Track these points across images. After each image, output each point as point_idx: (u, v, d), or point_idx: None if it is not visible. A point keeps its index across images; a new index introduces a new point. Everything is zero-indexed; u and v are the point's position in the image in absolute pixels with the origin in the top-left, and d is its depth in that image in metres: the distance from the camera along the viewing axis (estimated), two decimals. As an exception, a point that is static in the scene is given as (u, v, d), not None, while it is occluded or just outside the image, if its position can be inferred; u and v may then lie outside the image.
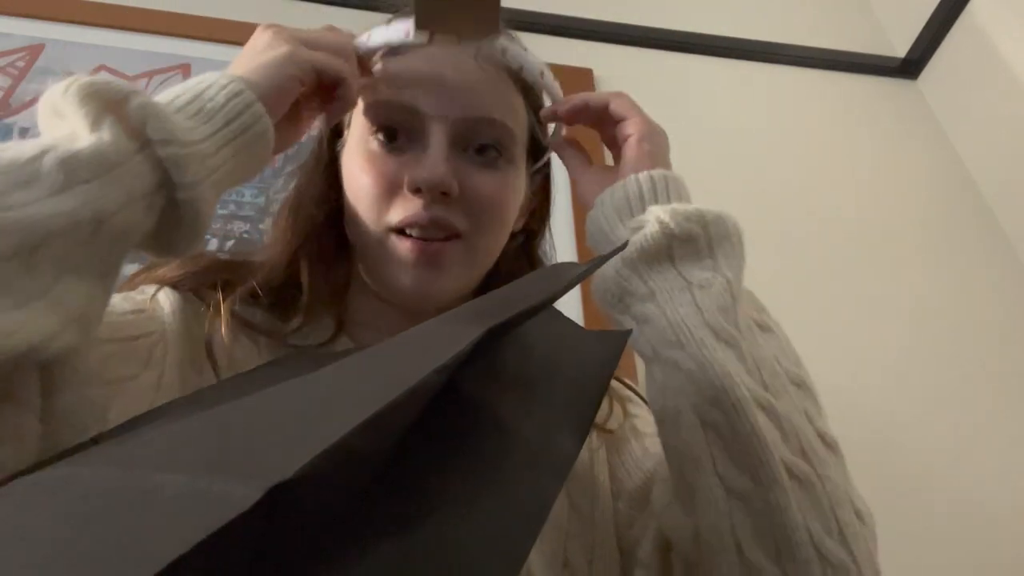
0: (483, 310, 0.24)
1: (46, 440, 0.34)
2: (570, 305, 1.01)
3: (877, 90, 1.51)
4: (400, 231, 0.48)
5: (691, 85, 1.41)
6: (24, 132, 1.03)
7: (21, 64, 1.12)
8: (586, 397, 0.23)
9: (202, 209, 0.37)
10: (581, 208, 1.14)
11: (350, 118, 0.53)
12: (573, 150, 0.59)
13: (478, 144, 0.50)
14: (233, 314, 0.48)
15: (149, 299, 0.47)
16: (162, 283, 0.49)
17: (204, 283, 0.50)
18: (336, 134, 0.56)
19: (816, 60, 1.51)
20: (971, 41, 1.42)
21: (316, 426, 0.17)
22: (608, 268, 0.45)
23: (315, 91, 0.48)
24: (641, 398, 0.62)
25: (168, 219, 0.37)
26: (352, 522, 0.17)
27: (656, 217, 0.44)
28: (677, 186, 0.49)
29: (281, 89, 0.43)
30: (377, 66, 0.51)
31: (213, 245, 0.98)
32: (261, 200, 1.01)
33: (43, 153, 0.32)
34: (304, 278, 0.52)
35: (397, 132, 0.49)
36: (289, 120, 0.46)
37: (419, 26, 0.51)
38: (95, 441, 0.22)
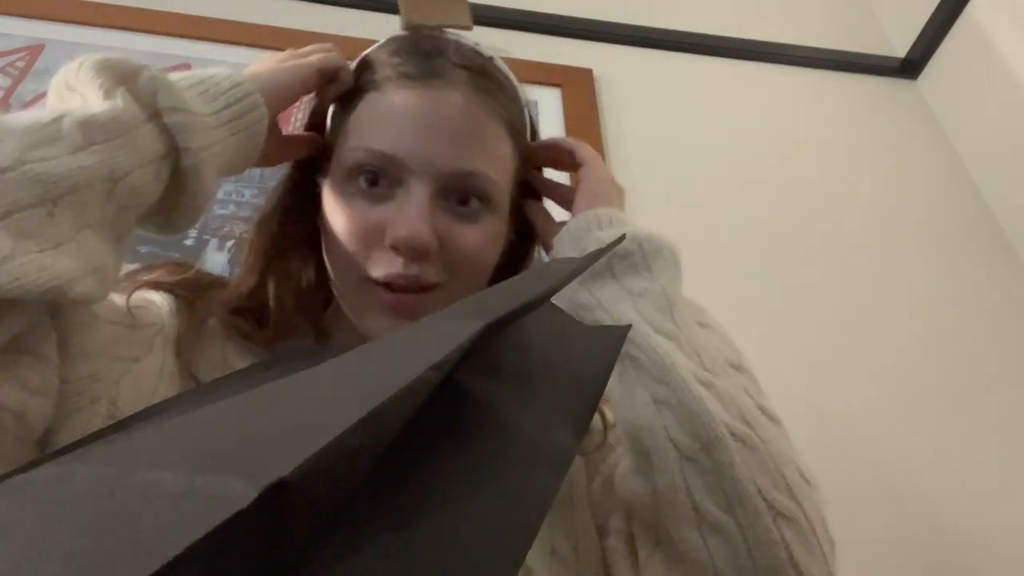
0: (481, 306, 0.24)
1: (60, 408, 0.37)
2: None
3: (877, 90, 1.51)
4: (378, 283, 0.48)
5: (691, 85, 1.41)
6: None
7: (21, 64, 1.12)
8: (585, 392, 0.23)
9: (204, 178, 0.40)
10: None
11: (331, 149, 0.52)
12: (539, 205, 0.63)
13: (460, 195, 0.49)
14: (223, 323, 0.50)
15: (145, 297, 0.48)
16: (155, 287, 0.50)
17: (193, 293, 0.51)
18: (310, 161, 0.56)
19: (816, 60, 1.51)
20: (971, 41, 1.42)
21: (314, 423, 0.17)
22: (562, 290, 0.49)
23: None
24: None
25: (173, 189, 0.40)
26: (349, 519, 0.17)
27: (596, 240, 0.50)
28: (619, 219, 0.54)
29: (282, 86, 0.48)
30: (365, 100, 0.50)
31: (213, 245, 0.98)
32: (261, 200, 1.01)
33: (62, 116, 0.36)
34: (271, 295, 0.52)
35: (379, 177, 0.48)
36: (283, 137, 0.51)
37: (405, 22, 0.53)
38: (89, 440, 0.22)
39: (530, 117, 0.58)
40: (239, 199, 1.03)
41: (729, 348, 0.51)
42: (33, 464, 0.20)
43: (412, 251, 0.46)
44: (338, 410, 0.17)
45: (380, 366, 0.21)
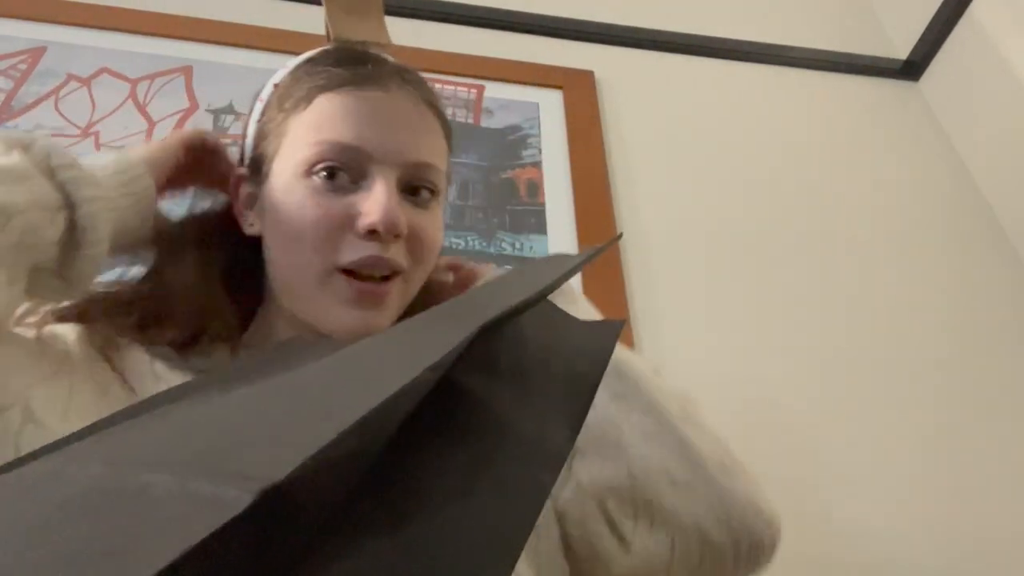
0: (478, 304, 0.24)
1: None
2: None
3: (879, 92, 1.50)
4: (348, 271, 0.49)
5: (693, 87, 1.41)
6: (25, 134, 1.04)
7: (23, 67, 1.12)
8: (580, 388, 0.23)
9: (99, 230, 0.43)
10: (581, 205, 1.14)
11: (273, 153, 0.53)
12: None
13: (413, 186, 0.52)
14: (143, 340, 0.50)
15: (52, 330, 0.49)
16: (60, 320, 0.50)
17: (104, 315, 0.50)
18: (240, 177, 0.57)
19: (818, 62, 1.51)
20: (973, 43, 1.42)
21: (310, 425, 0.16)
22: None
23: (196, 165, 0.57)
24: None
25: (68, 245, 0.43)
26: (344, 520, 0.16)
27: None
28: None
29: (157, 159, 0.52)
30: (315, 102, 0.52)
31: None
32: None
33: None
34: (210, 307, 0.52)
35: (338, 171, 0.49)
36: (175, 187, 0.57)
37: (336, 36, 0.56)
38: (78, 437, 0.21)
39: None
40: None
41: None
42: (19, 461, 0.20)
43: (389, 233, 0.48)
44: (334, 412, 0.17)
45: (376, 367, 0.21)
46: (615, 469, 0.51)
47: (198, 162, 0.57)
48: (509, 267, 1.06)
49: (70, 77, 1.12)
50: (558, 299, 0.54)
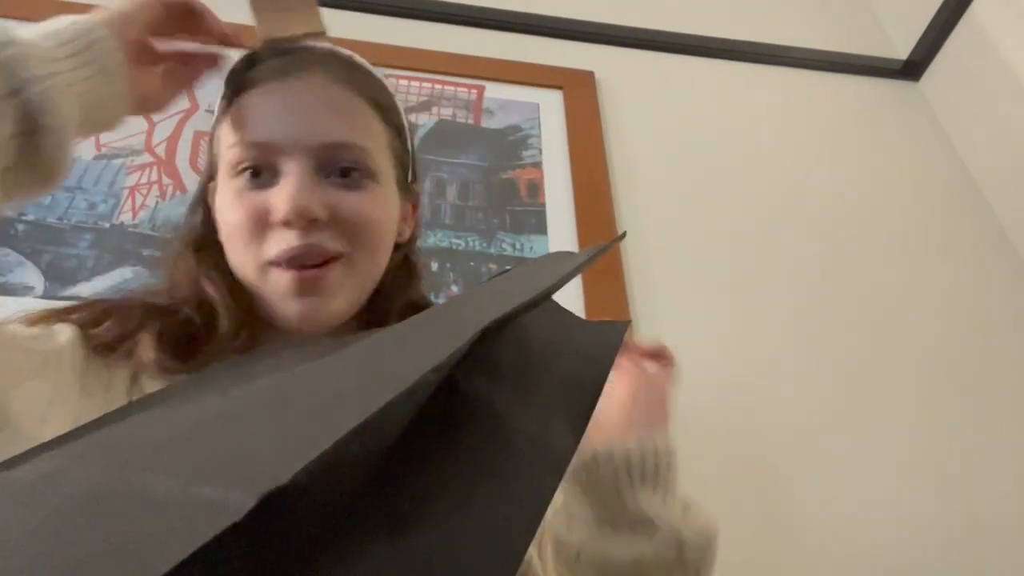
0: (481, 304, 0.24)
1: None
2: (570, 295, 1.01)
3: (879, 92, 1.50)
4: (278, 263, 0.49)
5: (693, 87, 1.41)
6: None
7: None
8: (584, 390, 0.23)
9: (58, 109, 0.39)
10: (581, 205, 1.13)
11: (217, 161, 0.54)
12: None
13: (339, 168, 0.51)
14: (156, 350, 0.49)
15: (48, 326, 0.48)
16: (61, 319, 0.49)
17: (111, 321, 0.50)
18: (209, 180, 0.57)
19: (818, 62, 1.51)
20: (973, 43, 1.42)
21: (312, 428, 0.16)
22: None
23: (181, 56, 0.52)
24: None
25: (28, 129, 0.38)
26: (346, 523, 0.16)
27: (672, 530, 0.48)
28: (675, 468, 0.52)
29: (124, 16, 0.46)
30: (232, 107, 0.52)
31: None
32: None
33: None
34: (220, 310, 0.51)
35: (260, 169, 0.50)
36: (152, 65, 0.50)
37: (260, 33, 0.55)
38: (76, 434, 0.21)
39: (402, 111, 0.60)
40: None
41: None
42: (12, 462, 0.20)
43: (300, 219, 0.47)
44: (336, 414, 0.16)
45: (379, 368, 0.20)
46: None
47: (184, 20, 0.52)
48: (510, 268, 1.05)
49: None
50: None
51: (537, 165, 1.19)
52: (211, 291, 0.52)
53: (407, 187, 0.59)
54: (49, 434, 0.31)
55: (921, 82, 1.53)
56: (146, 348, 0.48)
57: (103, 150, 1.05)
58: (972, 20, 1.42)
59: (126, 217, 0.99)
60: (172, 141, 1.09)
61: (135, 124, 1.09)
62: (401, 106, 0.59)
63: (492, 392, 0.21)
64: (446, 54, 1.29)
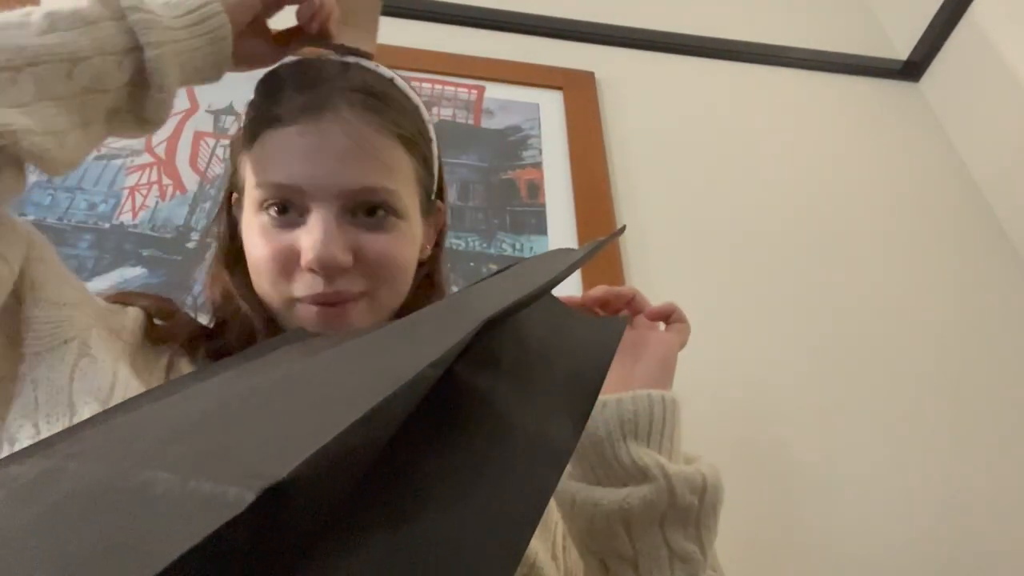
0: (480, 299, 0.24)
1: (34, 344, 0.42)
2: (570, 294, 1.01)
3: (879, 92, 1.50)
4: (303, 301, 0.51)
5: (693, 87, 1.41)
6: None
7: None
8: (584, 385, 0.23)
9: (166, 73, 0.44)
10: (582, 205, 1.13)
11: (242, 183, 0.55)
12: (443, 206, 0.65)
13: (366, 208, 0.52)
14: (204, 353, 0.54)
15: (121, 306, 0.53)
16: (127, 303, 0.54)
17: (161, 316, 0.55)
18: (232, 188, 0.58)
19: (818, 62, 1.51)
20: (973, 44, 1.42)
21: (311, 423, 0.16)
22: (606, 497, 0.48)
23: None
24: None
25: (139, 86, 0.44)
26: (347, 517, 0.16)
27: (663, 474, 0.47)
28: (678, 418, 0.52)
29: (244, 3, 0.51)
30: (259, 140, 0.53)
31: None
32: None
33: (31, 11, 0.41)
34: (252, 319, 0.54)
35: (287, 207, 0.51)
36: (260, 37, 0.55)
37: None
38: (68, 434, 0.21)
39: (432, 131, 0.60)
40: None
41: None
42: (12, 459, 0.20)
43: (327, 269, 0.49)
44: (336, 409, 0.16)
45: (378, 363, 0.20)
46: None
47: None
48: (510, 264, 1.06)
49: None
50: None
51: (537, 165, 1.19)
52: (249, 313, 0.54)
53: (430, 208, 0.60)
54: (120, 379, 0.42)
55: (921, 82, 1.53)
56: (195, 351, 0.53)
57: (103, 150, 1.05)
58: (972, 20, 1.42)
59: (126, 217, 0.99)
60: (172, 141, 1.09)
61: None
62: (429, 122, 0.59)
63: (492, 387, 0.21)
64: (446, 54, 1.29)
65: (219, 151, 1.09)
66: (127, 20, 0.43)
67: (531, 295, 0.22)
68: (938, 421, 1.06)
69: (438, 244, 0.64)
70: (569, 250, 0.35)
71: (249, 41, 0.53)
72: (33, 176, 0.99)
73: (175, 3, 0.47)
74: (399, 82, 0.57)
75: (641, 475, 0.47)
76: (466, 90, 1.27)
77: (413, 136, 0.55)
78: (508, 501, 0.18)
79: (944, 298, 1.20)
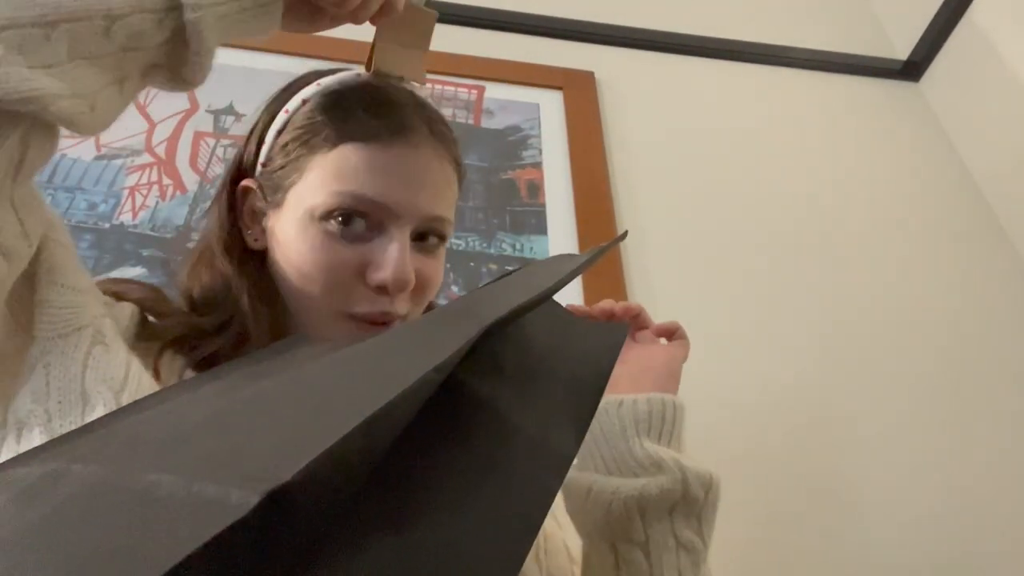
0: (483, 304, 0.24)
1: (47, 331, 0.41)
2: (570, 295, 1.01)
3: (879, 92, 1.50)
4: (354, 318, 0.50)
5: (693, 88, 1.41)
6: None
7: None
8: (586, 391, 0.23)
9: (207, 34, 0.42)
10: (582, 205, 1.13)
11: (289, 184, 0.53)
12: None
13: (423, 234, 0.53)
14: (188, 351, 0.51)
15: (114, 299, 0.51)
16: (119, 297, 0.52)
17: (154, 312, 0.53)
18: (240, 175, 0.57)
19: (818, 62, 1.51)
20: (973, 44, 1.42)
21: (315, 426, 0.16)
22: (624, 487, 0.50)
23: None
24: None
25: (178, 44, 0.42)
26: (350, 521, 0.16)
27: (679, 467, 0.50)
28: (684, 422, 0.56)
29: None
30: (339, 148, 0.52)
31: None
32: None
33: None
34: (250, 320, 0.52)
35: (355, 220, 0.50)
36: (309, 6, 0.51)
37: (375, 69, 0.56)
38: (73, 437, 0.21)
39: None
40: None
41: None
42: (16, 460, 0.20)
43: (399, 290, 0.50)
44: (340, 413, 0.16)
45: (382, 367, 0.20)
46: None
47: None
48: (510, 268, 1.06)
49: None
50: None
51: (537, 165, 1.20)
52: (248, 311, 0.52)
53: None
54: (132, 366, 0.41)
55: (921, 82, 1.53)
56: (182, 352, 0.51)
57: (103, 151, 1.05)
58: (972, 20, 1.42)
59: (126, 217, 0.99)
60: (172, 141, 1.09)
61: (136, 124, 1.09)
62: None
63: (495, 393, 0.21)
64: (446, 54, 1.29)
65: (219, 151, 1.09)
66: None
67: (533, 300, 0.22)
68: (937, 422, 1.06)
69: None
70: (571, 256, 0.35)
71: (299, 8, 0.50)
72: (33, 176, 1.00)
73: None
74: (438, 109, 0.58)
75: (655, 468, 0.50)
76: (466, 90, 1.28)
77: (462, 169, 0.58)
78: (510, 505, 0.18)
79: (944, 298, 1.20)
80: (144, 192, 1.02)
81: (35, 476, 0.17)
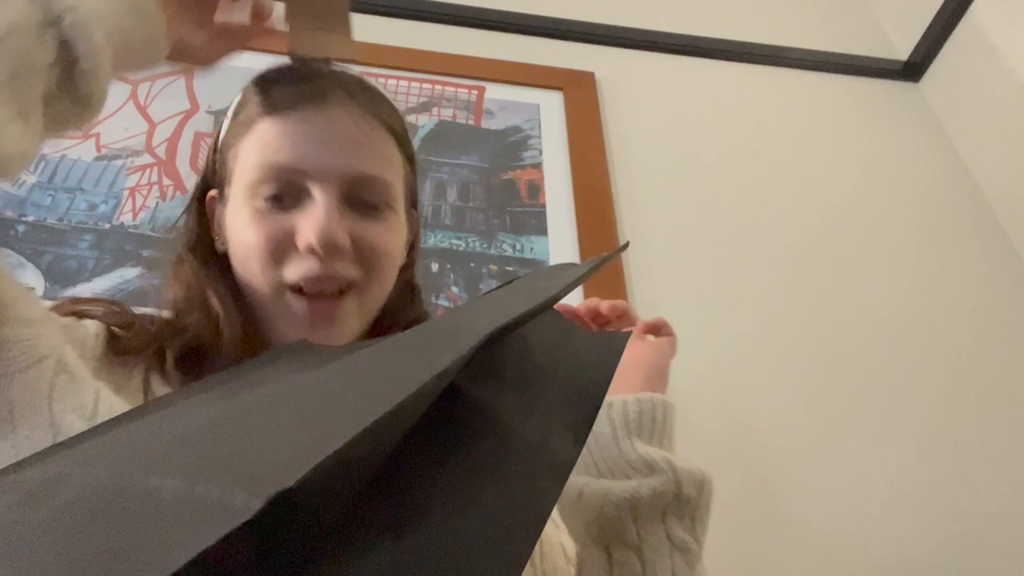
0: (484, 312, 0.24)
1: (8, 367, 0.39)
2: (571, 296, 1.01)
3: (879, 93, 1.50)
4: (295, 288, 0.50)
5: (693, 88, 1.41)
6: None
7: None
8: (586, 399, 0.23)
9: (91, 40, 0.40)
10: (582, 206, 1.13)
11: (230, 176, 0.54)
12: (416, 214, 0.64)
13: (362, 198, 0.52)
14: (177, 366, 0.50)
15: (75, 319, 0.50)
16: (82, 316, 0.51)
17: (121, 327, 0.51)
18: (207, 187, 0.58)
19: (818, 63, 1.51)
20: (973, 44, 1.42)
21: (318, 432, 0.16)
22: (615, 489, 0.50)
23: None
24: None
25: (67, 59, 0.40)
26: (350, 526, 0.16)
27: (671, 467, 0.50)
28: (674, 421, 0.56)
29: None
30: (257, 126, 0.52)
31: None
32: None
33: None
34: (222, 318, 0.52)
35: (282, 192, 0.50)
36: (203, 29, 0.52)
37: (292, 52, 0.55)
38: (82, 437, 0.21)
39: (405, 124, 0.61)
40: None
41: None
42: (20, 465, 0.20)
43: (326, 248, 0.48)
44: (344, 418, 0.17)
45: (384, 373, 0.20)
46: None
47: None
48: (510, 268, 1.06)
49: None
50: None
51: (537, 166, 1.20)
52: (217, 307, 0.52)
53: (411, 213, 0.61)
54: (99, 394, 0.38)
55: (921, 83, 1.53)
56: (164, 363, 0.50)
57: (104, 151, 1.05)
58: (972, 20, 1.42)
59: (126, 218, 0.99)
60: (172, 142, 1.09)
61: (136, 125, 1.09)
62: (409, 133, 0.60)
63: (495, 400, 0.21)
64: (446, 55, 1.29)
65: (219, 151, 1.09)
66: None
67: (534, 309, 0.23)
68: (938, 423, 1.06)
69: (413, 248, 0.65)
70: (572, 265, 0.36)
71: (186, 24, 0.50)
72: (33, 177, 1.00)
73: None
74: (381, 88, 0.58)
75: (647, 468, 0.50)
76: (466, 90, 1.27)
77: (403, 134, 0.57)
78: (510, 512, 0.18)
79: (944, 298, 1.20)
80: (144, 193, 1.02)
81: (39, 480, 0.17)
